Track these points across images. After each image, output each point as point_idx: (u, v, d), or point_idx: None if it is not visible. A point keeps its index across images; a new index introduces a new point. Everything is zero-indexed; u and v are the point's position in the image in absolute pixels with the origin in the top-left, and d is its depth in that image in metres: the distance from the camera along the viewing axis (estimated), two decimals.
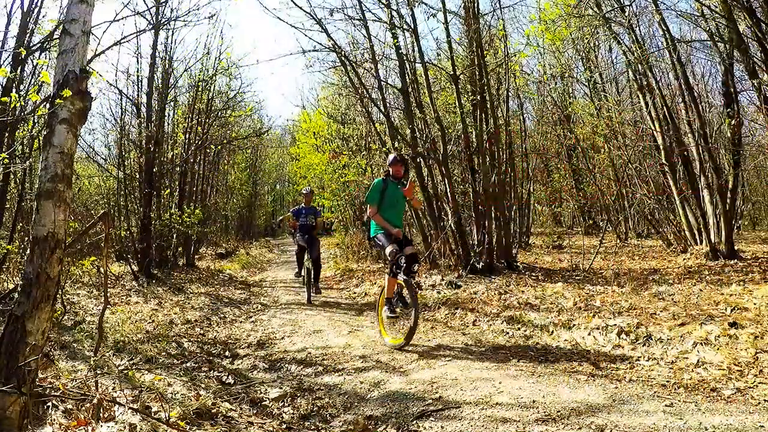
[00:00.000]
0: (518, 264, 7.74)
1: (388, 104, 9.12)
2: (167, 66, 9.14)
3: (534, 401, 2.70)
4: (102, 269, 5.89)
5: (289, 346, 4.64)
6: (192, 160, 11.11)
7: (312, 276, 7.27)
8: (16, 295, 2.12)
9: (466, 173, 8.60)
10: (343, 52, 8.34)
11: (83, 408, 2.39)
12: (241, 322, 6.04)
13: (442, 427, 2.55)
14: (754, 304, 3.95)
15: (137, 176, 8.62)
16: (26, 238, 4.71)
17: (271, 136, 27.63)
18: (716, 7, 6.61)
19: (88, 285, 6.10)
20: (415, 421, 2.66)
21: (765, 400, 2.51)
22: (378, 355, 4.03)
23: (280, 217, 8.61)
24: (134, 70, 8.69)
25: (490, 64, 8.40)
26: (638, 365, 3.27)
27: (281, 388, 3.37)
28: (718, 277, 5.72)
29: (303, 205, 7.75)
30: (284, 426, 2.78)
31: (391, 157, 4.71)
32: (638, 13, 8.97)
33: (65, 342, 3.67)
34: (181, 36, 42.41)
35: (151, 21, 7.87)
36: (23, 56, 5.05)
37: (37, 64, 5.40)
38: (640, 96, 8.74)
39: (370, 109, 10.11)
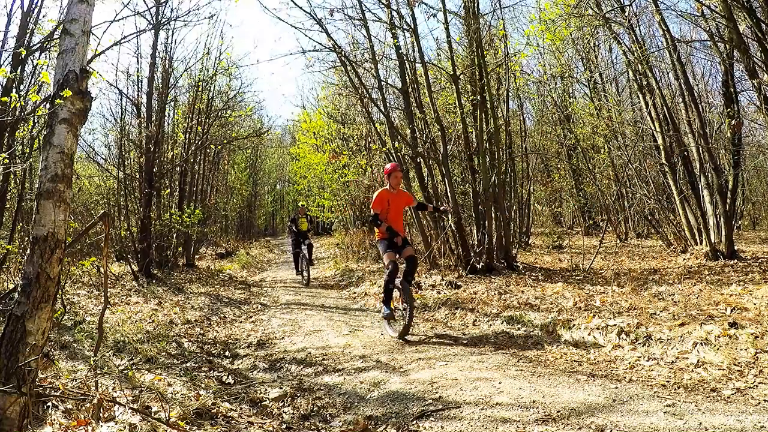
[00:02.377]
0: (518, 264, 7.74)
1: (388, 104, 9.12)
2: (167, 66, 9.14)
3: (534, 401, 2.70)
4: (102, 269, 5.89)
5: (289, 346, 4.64)
6: (192, 160, 11.12)
7: None
8: (16, 295, 2.12)
9: (466, 173, 8.60)
10: (343, 52, 8.34)
11: (83, 408, 2.39)
12: (241, 322, 6.04)
13: (442, 427, 2.55)
14: (754, 304, 3.94)
15: (137, 176, 8.62)
16: (26, 238, 4.71)
17: (271, 136, 27.68)
18: (716, 7, 6.60)
19: (88, 285, 6.10)
20: (415, 421, 2.66)
21: (765, 400, 2.51)
22: (378, 355, 4.03)
23: None
24: (134, 70, 8.71)
25: (490, 64, 8.40)
26: (638, 365, 3.27)
27: (281, 388, 3.37)
28: (718, 277, 5.72)
29: None
30: (284, 426, 2.78)
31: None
32: (638, 13, 8.97)
33: (65, 342, 3.67)
34: (181, 36, 42.56)
35: (151, 21, 7.88)
36: (23, 56, 5.05)
37: (37, 64, 5.40)
38: (640, 96, 8.74)
39: (370, 109, 10.11)
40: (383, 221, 4.77)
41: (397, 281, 4.66)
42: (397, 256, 4.74)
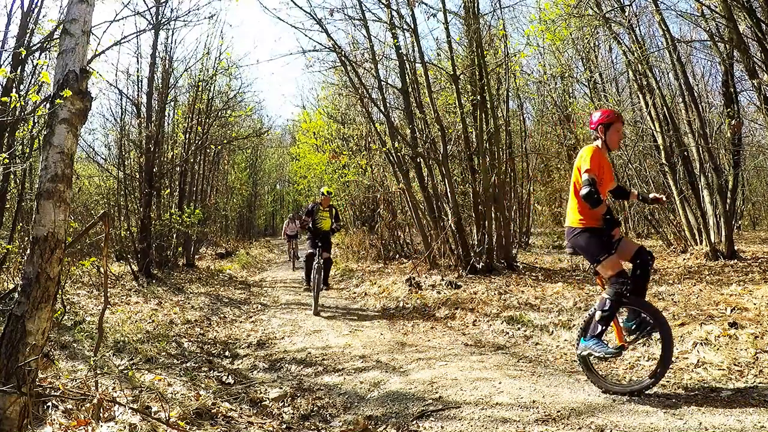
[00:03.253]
0: (518, 264, 7.74)
1: (388, 104, 9.12)
2: (167, 66, 9.14)
3: (534, 401, 2.70)
4: (102, 269, 5.89)
5: (289, 346, 4.64)
6: (192, 160, 11.12)
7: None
8: (16, 295, 2.12)
9: (466, 173, 8.60)
10: (343, 52, 8.34)
11: (83, 408, 2.39)
12: (241, 322, 6.04)
13: (442, 427, 2.55)
14: (754, 304, 3.94)
15: (137, 176, 8.61)
16: (26, 238, 4.70)
17: (271, 136, 27.66)
18: (716, 7, 6.60)
19: (88, 285, 6.10)
20: (415, 421, 2.66)
21: (765, 400, 2.51)
22: (378, 355, 4.03)
23: None
24: (134, 70, 8.71)
25: (490, 64, 8.40)
26: (638, 365, 3.27)
27: (281, 388, 3.37)
28: (718, 277, 5.72)
29: None
30: (284, 426, 2.78)
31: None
32: (638, 13, 8.97)
33: (65, 342, 3.67)
34: (181, 36, 42.58)
35: (151, 21, 7.88)
36: (23, 56, 5.05)
37: (37, 64, 5.40)
38: (640, 96, 8.73)
39: (370, 109, 10.10)
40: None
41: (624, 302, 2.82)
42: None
